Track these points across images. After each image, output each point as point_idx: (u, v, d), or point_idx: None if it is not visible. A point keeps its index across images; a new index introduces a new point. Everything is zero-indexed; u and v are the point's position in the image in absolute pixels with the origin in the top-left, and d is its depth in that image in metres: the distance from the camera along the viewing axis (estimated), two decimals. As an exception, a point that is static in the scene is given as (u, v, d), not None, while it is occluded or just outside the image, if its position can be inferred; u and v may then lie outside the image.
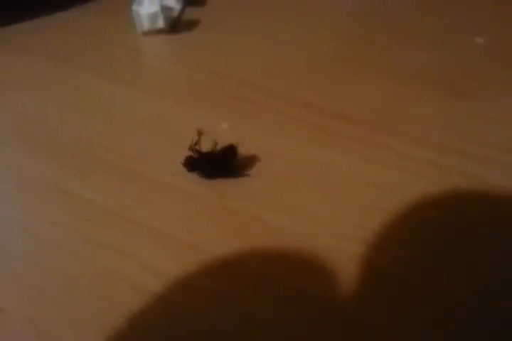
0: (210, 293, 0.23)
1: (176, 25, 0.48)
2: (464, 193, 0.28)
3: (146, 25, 0.46)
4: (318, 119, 0.34)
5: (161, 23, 0.46)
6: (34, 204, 0.29)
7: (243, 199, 0.28)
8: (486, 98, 0.36)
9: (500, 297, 0.23)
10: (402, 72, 0.40)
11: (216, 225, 0.27)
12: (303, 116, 0.35)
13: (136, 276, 0.24)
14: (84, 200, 0.28)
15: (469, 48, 0.43)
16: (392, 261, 0.25)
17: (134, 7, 0.46)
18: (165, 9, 0.46)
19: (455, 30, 0.47)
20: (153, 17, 0.46)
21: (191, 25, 0.48)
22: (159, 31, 0.47)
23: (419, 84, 0.38)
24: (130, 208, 0.28)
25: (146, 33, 0.47)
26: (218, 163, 0.29)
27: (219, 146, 0.30)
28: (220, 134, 0.30)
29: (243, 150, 0.30)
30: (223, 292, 0.23)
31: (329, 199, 0.28)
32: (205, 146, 0.29)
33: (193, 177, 0.29)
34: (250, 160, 0.30)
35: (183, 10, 0.49)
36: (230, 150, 0.30)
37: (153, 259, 0.25)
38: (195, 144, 0.29)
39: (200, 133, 0.29)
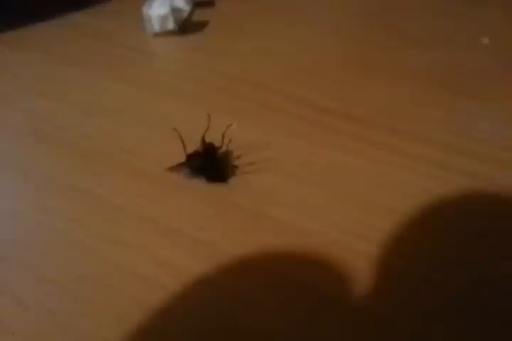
0: (222, 289, 0.24)
1: (185, 26, 0.49)
2: (466, 190, 0.29)
3: (156, 26, 0.47)
4: (327, 120, 0.35)
5: (171, 25, 0.47)
6: (51, 202, 0.30)
7: (253, 198, 0.29)
8: (490, 97, 0.37)
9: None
10: (408, 72, 0.41)
11: (227, 222, 0.27)
12: (311, 117, 0.35)
13: (149, 271, 0.25)
14: (98, 198, 0.29)
15: (475, 48, 0.44)
16: (401, 258, 0.25)
17: (145, 9, 0.47)
18: (175, 11, 0.47)
19: (461, 30, 0.47)
20: (163, 19, 0.47)
21: (201, 26, 0.49)
22: (169, 33, 0.47)
23: (424, 85, 0.39)
24: (142, 206, 0.29)
25: (157, 35, 0.48)
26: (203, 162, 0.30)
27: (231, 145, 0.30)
28: (228, 134, 0.31)
29: (254, 149, 0.31)
30: (236, 288, 0.24)
31: (337, 198, 0.29)
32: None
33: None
34: (261, 159, 0.31)
35: (192, 11, 0.50)
36: (209, 149, 0.30)
37: (165, 255, 0.26)
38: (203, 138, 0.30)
39: (208, 125, 0.30)
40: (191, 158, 0.30)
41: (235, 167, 0.31)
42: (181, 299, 0.23)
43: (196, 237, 0.27)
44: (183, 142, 0.29)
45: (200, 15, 0.51)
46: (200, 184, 0.30)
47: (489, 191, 0.29)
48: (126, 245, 0.26)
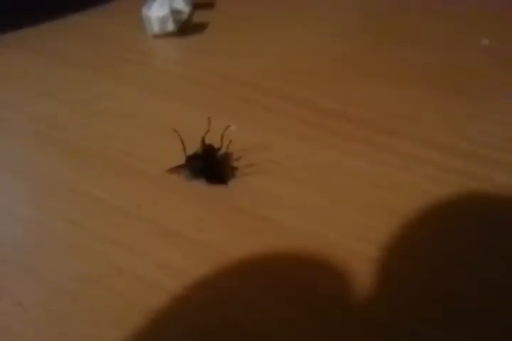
0: (221, 290, 0.24)
1: (185, 28, 0.49)
2: (466, 192, 0.29)
3: (156, 28, 0.47)
4: (327, 121, 0.35)
5: (170, 27, 0.47)
6: (50, 203, 0.30)
7: (253, 199, 0.29)
8: (489, 99, 0.37)
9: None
10: (407, 73, 0.41)
11: (226, 224, 0.28)
12: (311, 118, 0.35)
13: (148, 273, 0.25)
14: (98, 200, 0.29)
15: (475, 49, 0.44)
16: (401, 260, 0.25)
17: (144, 10, 0.47)
18: (174, 12, 0.47)
19: (461, 31, 0.47)
20: (163, 20, 0.47)
21: (200, 28, 0.49)
22: (169, 34, 0.47)
23: (424, 86, 0.39)
24: (142, 207, 0.29)
25: (156, 36, 0.48)
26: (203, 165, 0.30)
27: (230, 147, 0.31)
28: (228, 135, 0.31)
29: (254, 151, 0.31)
30: (234, 290, 0.24)
31: (336, 199, 0.29)
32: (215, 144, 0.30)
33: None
34: (260, 161, 0.31)
35: (192, 13, 0.50)
36: (209, 151, 0.30)
37: (164, 257, 0.26)
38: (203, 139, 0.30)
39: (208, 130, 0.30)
40: (191, 159, 0.30)
41: (235, 169, 0.31)
42: (181, 300, 0.23)
43: (196, 238, 0.27)
44: (183, 143, 0.29)
45: (199, 16, 0.51)
46: (199, 185, 0.30)
47: (489, 192, 0.29)
48: (126, 246, 0.26)
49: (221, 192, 0.30)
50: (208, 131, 0.30)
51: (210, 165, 0.30)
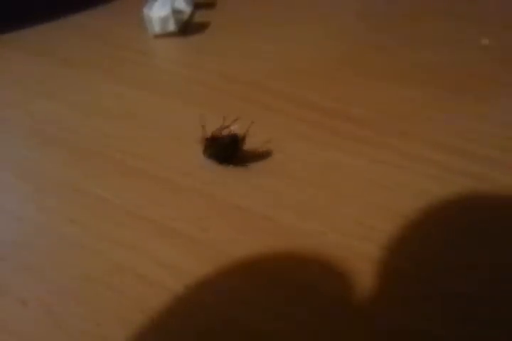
0: (222, 289, 0.24)
1: (186, 28, 0.49)
2: (467, 191, 0.29)
3: (157, 28, 0.47)
4: (327, 121, 0.35)
5: (171, 27, 0.47)
6: (51, 203, 0.30)
7: (254, 198, 0.29)
8: (489, 99, 0.37)
9: None
10: (407, 73, 0.41)
11: (228, 223, 0.28)
12: (311, 118, 0.36)
13: (150, 272, 0.25)
14: (99, 199, 0.29)
15: (475, 49, 0.44)
16: (401, 260, 0.25)
17: (145, 10, 0.47)
18: (175, 12, 0.47)
19: (461, 31, 0.47)
20: (164, 20, 0.47)
21: (201, 28, 0.49)
22: (170, 34, 0.47)
23: (424, 85, 0.39)
24: (142, 207, 0.29)
25: (157, 36, 0.48)
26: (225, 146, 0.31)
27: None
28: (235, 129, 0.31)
29: (253, 151, 0.31)
30: (236, 289, 0.24)
31: (337, 199, 0.29)
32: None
33: (204, 176, 0.30)
34: (261, 160, 0.31)
35: (193, 13, 0.50)
36: (233, 138, 0.31)
37: (166, 256, 0.26)
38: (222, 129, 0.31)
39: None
40: (213, 140, 0.30)
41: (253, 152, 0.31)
42: (182, 299, 0.24)
43: (196, 238, 0.27)
44: (204, 128, 0.30)
45: (200, 16, 0.51)
46: (199, 184, 0.30)
47: (491, 192, 0.29)
48: (127, 245, 0.26)
49: (222, 191, 0.30)
50: (223, 126, 0.30)
51: (232, 147, 0.31)
